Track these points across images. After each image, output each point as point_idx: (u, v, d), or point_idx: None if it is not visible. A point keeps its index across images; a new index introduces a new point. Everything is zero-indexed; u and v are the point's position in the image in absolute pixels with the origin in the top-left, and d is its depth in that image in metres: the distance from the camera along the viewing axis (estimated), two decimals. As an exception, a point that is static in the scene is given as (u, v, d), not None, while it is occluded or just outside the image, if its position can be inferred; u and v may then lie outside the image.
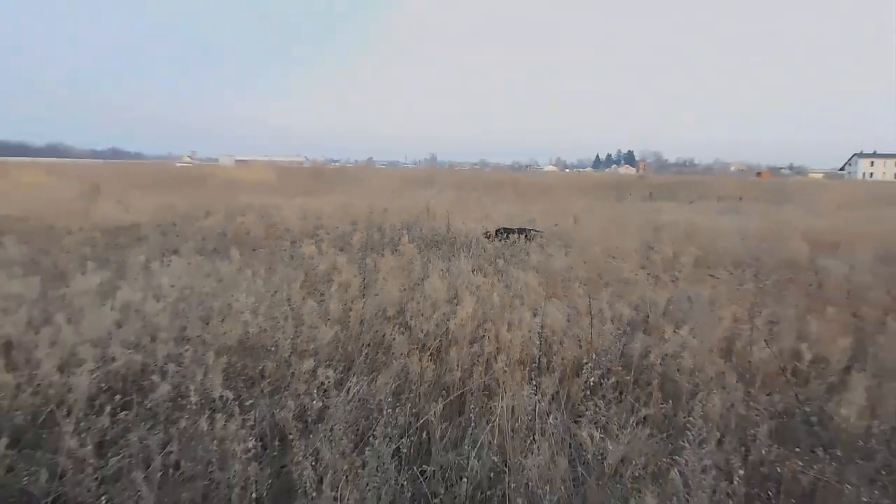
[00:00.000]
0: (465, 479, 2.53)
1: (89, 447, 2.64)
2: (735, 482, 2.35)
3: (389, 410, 2.85)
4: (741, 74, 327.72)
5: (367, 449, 2.48)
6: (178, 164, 59.80)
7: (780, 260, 7.38)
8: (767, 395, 3.38)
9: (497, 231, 9.10)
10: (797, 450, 2.72)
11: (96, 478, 2.60)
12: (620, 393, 3.47)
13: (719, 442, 2.75)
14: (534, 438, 2.74)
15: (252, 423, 2.79)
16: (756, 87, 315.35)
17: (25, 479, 2.60)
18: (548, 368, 3.59)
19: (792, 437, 3.03)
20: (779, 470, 2.64)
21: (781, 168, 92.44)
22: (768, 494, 2.52)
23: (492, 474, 2.63)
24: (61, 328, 3.53)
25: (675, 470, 2.36)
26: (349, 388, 3.13)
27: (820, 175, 77.76)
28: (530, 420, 2.91)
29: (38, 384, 3.19)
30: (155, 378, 3.09)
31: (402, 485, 2.46)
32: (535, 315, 4.05)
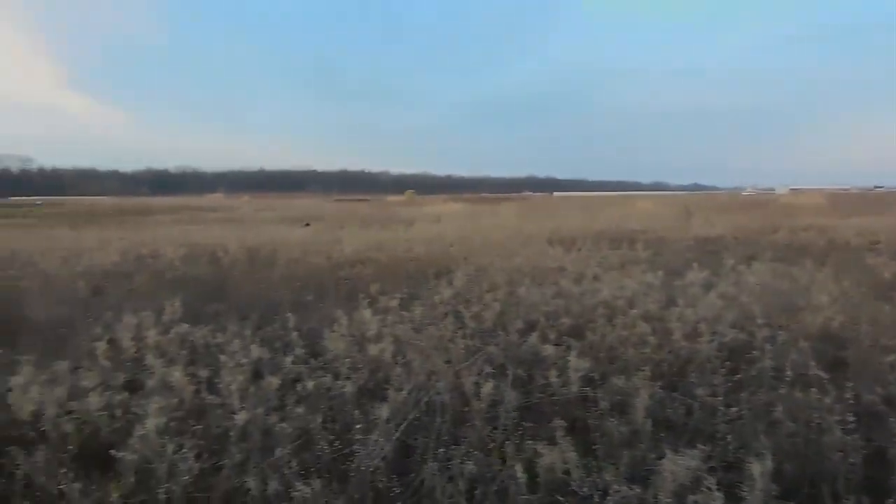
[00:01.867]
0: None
1: (720, 397, 3.50)
2: None
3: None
4: None
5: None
6: (744, 193, 73.87)
7: None
8: None
9: None
10: None
11: (724, 421, 3.35)
12: None
13: None
14: None
15: (849, 398, 3.22)
16: None
17: (669, 410, 3.63)
18: None
19: None
20: None
21: None
22: None
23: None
24: (683, 309, 4.97)
25: None
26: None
27: None
28: None
29: (671, 347, 4.60)
30: (756, 353, 4.01)
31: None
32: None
